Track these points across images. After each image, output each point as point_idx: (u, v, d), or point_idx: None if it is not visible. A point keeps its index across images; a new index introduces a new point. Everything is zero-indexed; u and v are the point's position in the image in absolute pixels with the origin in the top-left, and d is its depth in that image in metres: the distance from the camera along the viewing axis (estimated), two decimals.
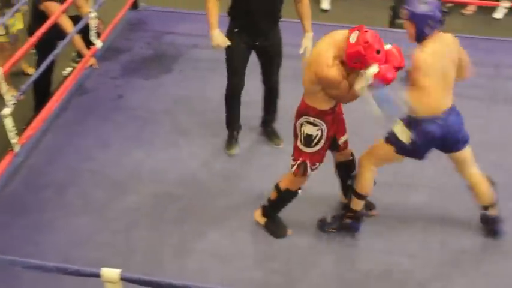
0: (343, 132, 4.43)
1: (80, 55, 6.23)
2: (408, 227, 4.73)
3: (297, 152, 4.28)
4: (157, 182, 5.05)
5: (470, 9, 8.51)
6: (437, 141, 4.18)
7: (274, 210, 4.61)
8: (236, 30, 4.90)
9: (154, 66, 6.30)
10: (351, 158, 4.56)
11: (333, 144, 4.40)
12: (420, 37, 4.09)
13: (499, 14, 8.16)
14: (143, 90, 6.01)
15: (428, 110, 4.10)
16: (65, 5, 5.75)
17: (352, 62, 3.84)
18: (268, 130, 5.46)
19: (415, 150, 4.23)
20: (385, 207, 4.83)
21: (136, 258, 4.44)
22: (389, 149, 4.27)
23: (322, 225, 4.67)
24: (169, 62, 6.35)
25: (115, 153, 5.31)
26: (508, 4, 6.51)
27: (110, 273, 3.20)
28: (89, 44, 6.13)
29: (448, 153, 4.35)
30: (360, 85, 3.87)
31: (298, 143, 4.25)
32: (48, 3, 5.72)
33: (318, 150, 4.24)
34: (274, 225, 4.64)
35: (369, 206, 4.71)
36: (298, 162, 4.27)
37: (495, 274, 4.39)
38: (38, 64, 5.80)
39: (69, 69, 6.48)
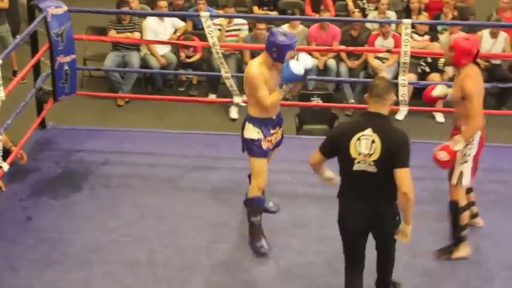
0: None
1: None
2: None
3: None
4: None
5: None
6: None
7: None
8: None
9: (63, 186, 6.20)
10: None
11: None
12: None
13: (400, 116, 8.51)
14: (52, 210, 5.88)
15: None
16: None
17: None
18: None
19: None
20: None
21: None
22: None
23: None
24: (79, 181, 6.26)
25: (24, 277, 5.12)
26: (406, 108, 6.83)
27: None
28: None
29: None
30: None
31: None
32: None
33: None
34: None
35: None
36: None
37: None
38: None
39: None
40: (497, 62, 9.12)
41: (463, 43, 5.00)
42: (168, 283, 5.06)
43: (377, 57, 8.95)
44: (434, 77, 8.73)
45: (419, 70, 8.83)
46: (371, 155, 4.13)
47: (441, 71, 8.82)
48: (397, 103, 6.95)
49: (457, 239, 5.25)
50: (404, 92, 6.65)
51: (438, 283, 5.07)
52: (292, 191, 6.09)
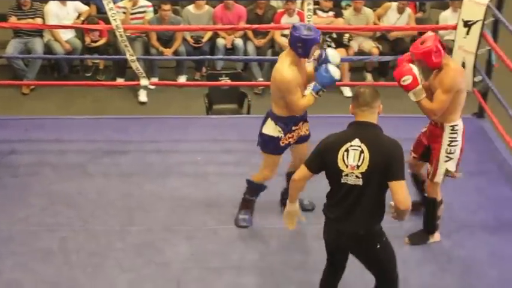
0: None
1: None
2: None
3: None
4: None
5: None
6: None
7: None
8: None
9: None
10: None
11: None
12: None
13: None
14: None
15: None
16: None
17: None
18: None
19: None
20: None
21: None
22: None
23: None
24: None
25: None
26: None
27: None
28: None
29: None
30: None
31: None
32: None
33: None
34: None
35: None
36: None
37: None
38: None
39: None
40: (401, 35, 9.34)
41: (422, 48, 4.75)
42: (82, 269, 4.99)
43: (283, 35, 9.01)
44: (340, 52, 8.85)
45: (324, 46, 8.95)
46: (359, 166, 3.87)
47: (346, 46, 8.98)
48: None
49: (432, 228, 5.24)
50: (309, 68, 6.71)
51: None
52: (203, 170, 6.10)
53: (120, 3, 8.64)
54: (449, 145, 4.95)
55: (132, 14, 8.79)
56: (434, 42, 4.77)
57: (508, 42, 6.55)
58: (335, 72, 4.82)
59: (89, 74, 9.18)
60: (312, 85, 4.96)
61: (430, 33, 4.88)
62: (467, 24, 6.32)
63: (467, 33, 6.32)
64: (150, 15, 8.93)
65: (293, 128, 5.07)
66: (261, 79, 8.89)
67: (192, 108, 7.91)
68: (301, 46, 4.73)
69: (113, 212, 5.60)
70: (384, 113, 4.16)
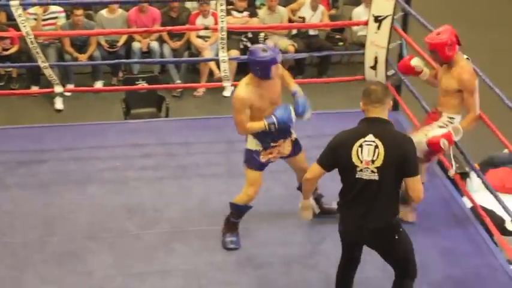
0: None
1: None
2: None
3: None
4: None
5: (200, 91, 8.92)
6: None
7: None
8: None
9: None
10: None
11: None
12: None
13: (227, 92, 8.62)
14: None
15: None
16: None
17: None
18: None
19: None
20: None
21: None
22: None
23: None
24: None
25: None
26: (229, 83, 6.92)
27: None
28: None
29: None
30: None
31: None
32: None
33: None
34: None
35: None
36: None
37: None
38: None
39: None
40: (315, 33, 9.46)
41: (438, 39, 4.88)
42: (0, 284, 4.87)
43: (199, 37, 9.00)
44: None
45: (241, 46, 8.98)
46: (374, 161, 3.90)
47: None
48: (220, 79, 7.04)
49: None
50: (225, 68, 6.72)
51: (275, 250, 5.20)
52: (123, 176, 6.03)
53: (30, 10, 8.45)
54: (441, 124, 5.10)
55: (43, 20, 8.62)
56: (450, 36, 4.89)
57: (419, 35, 6.69)
58: (293, 118, 4.77)
59: (2, 83, 8.95)
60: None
61: (447, 26, 4.97)
62: (378, 20, 6.44)
63: (378, 28, 6.45)
64: (62, 20, 8.77)
65: (272, 144, 4.94)
66: (178, 81, 8.85)
67: (109, 114, 7.81)
68: (260, 69, 4.61)
69: (31, 222, 5.47)
70: None
